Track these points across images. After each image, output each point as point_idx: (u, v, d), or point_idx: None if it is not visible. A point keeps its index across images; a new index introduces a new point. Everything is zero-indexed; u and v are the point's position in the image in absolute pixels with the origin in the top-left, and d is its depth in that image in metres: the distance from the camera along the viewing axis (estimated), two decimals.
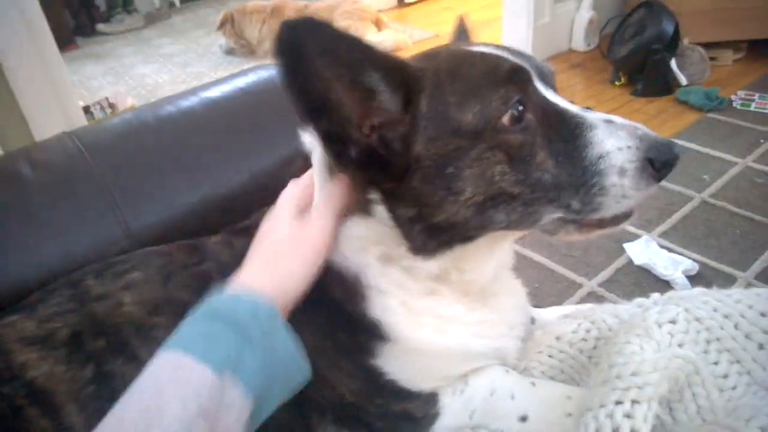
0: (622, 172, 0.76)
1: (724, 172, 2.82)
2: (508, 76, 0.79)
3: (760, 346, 0.76)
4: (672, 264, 2.25)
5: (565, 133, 0.79)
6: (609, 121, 0.79)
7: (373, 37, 4.92)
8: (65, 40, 5.59)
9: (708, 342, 0.77)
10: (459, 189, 0.78)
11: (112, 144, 1.27)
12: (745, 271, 2.21)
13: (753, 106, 3.35)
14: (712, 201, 2.63)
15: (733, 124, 3.23)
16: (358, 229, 0.89)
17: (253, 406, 0.71)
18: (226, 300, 0.77)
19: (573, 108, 0.82)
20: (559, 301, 2.17)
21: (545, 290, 2.23)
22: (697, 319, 0.78)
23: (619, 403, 0.71)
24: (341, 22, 4.88)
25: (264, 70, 1.43)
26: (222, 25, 5.07)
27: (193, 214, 1.20)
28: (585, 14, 4.25)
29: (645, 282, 2.24)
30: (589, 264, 2.34)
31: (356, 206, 0.89)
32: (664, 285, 2.20)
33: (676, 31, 3.58)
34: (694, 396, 0.73)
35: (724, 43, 3.90)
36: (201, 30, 5.99)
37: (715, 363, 0.76)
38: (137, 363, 0.90)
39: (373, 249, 0.89)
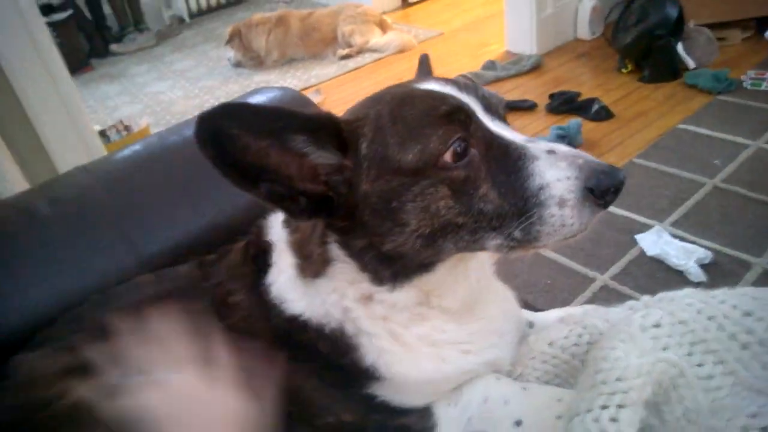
0: (562, 202, 0.78)
1: (737, 155, 2.80)
2: (448, 116, 0.81)
3: (744, 347, 0.77)
4: (685, 254, 2.25)
5: (508, 165, 0.81)
6: (551, 152, 0.81)
7: (378, 39, 4.95)
8: (80, 63, 5.72)
9: (692, 344, 0.79)
10: (404, 221, 0.82)
11: (122, 176, 1.32)
12: (760, 256, 2.20)
13: (764, 85, 3.32)
14: (724, 186, 2.62)
15: (744, 105, 3.21)
16: (329, 281, 0.92)
17: None
18: None
19: (517, 139, 0.84)
20: (572, 297, 2.19)
21: (558, 286, 2.25)
22: (682, 322, 0.80)
23: (605, 407, 0.73)
24: (345, 27, 4.94)
25: (261, 94, 1.47)
26: (231, 40, 5.16)
27: (199, 240, 1.24)
28: (588, 3, 4.24)
29: (658, 273, 2.24)
30: (600, 257, 2.35)
31: (317, 262, 0.93)
32: (678, 275, 2.21)
33: (681, 14, 3.55)
34: (680, 398, 0.75)
35: (731, 22, 3.86)
36: (210, 44, 6.08)
37: (700, 365, 0.78)
38: None
39: (350, 291, 0.92)
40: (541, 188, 0.79)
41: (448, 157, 0.80)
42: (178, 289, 1.09)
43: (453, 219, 0.81)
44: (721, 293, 0.85)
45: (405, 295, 0.91)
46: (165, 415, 0.85)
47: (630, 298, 2.10)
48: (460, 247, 0.85)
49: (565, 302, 2.14)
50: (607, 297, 2.14)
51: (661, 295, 0.93)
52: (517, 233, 0.81)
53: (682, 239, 2.35)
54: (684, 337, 0.80)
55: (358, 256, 0.89)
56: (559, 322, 1.03)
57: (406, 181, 0.81)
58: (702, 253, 2.24)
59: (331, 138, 0.83)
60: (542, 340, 0.99)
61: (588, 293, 2.19)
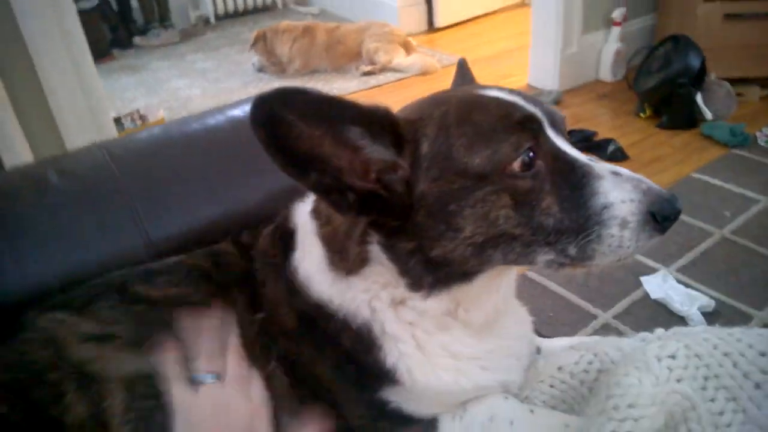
0: (624, 224, 0.78)
1: (747, 209, 2.80)
2: (521, 124, 0.81)
3: (757, 386, 0.76)
4: (688, 300, 2.23)
5: (573, 181, 0.82)
6: (616, 173, 0.81)
7: (402, 60, 4.99)
8: (102, 52, 5.76)
9: (706, 378, 0.77)
10: (459, 226, 0.81)
11: (139, 157, 1.31)
12: (762, 310, 2.18)
13: None
14: (732, 238, 2.61)
15: (757, 161, 3.21)
16: (363, 282, 0.92)
17: None
18: None
19: (582, 157, 0.84)
20: (572, 331, 2.17)
21: (560, 319, 2.23)
22: (697, 356, 0.79)
23: None
24: (370, 45, 4.97)
25: None
26: (255, 43, 5.20)
27: (212, 229, 1.22)
28: (612, 45, 4.26)
29: (660, 317, 2.22)
30: (605, 295, 2.34)
31: (354, 260, 0.91)
32: (679, 320, 2.19)
33: (703, 66, 3.57)
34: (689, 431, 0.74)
35: (751, 79, 3.88)
36: (234, 47, 6.12)
37: (712, 400, 0.76)
38: None
39: (383, 294, 0.91)
40: (604, 207, 0.79)
41: (516, 165, 0.80)
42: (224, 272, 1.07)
43: (510, 229, 0.81)
44: (737, 331, 0.84)
45: (437, 303, 0.90)
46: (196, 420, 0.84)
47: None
48: (509, 259, 0.84)
49: (566, 335, 2.12)
50: (608, 335, 2.11)
51: (674, 329, 0.92)
52: (572, 250, 0.81)
53: (687, 285, 2.34)
54: (698, 370, 0.78)
55: (401, 259, 0.88)
56: (569, 348, 1.01)
57: (469, 184, 0.80)
58: (705, 301, 2.22)
59: (387, 134, 0.82)
60: (552, 365, 0.98)
61: (589, 329, 2.17)
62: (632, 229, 0.78)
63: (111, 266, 1.14)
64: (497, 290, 0.96)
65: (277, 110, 0.73)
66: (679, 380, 0.76)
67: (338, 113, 0.78)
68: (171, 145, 1.35)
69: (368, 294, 0.91)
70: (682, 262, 2.49)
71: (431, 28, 6.07)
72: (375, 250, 0.89)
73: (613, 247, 0.79)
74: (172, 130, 1.39)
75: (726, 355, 0.78)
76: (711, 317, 2.18)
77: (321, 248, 0.95)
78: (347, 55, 5.10)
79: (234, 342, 0.93)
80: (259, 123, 0.72)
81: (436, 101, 0.89)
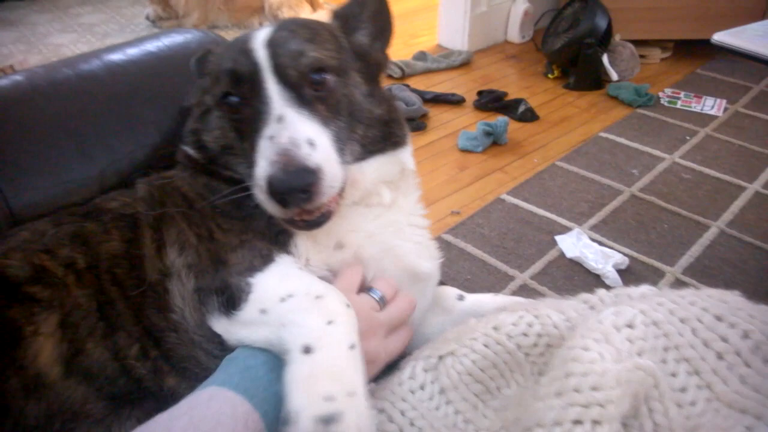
0: (260, 187, 0.83)
1: (653, 167, 2.86)
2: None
3: (719, 356, 0.68)
4: (603, 258, 2.24)
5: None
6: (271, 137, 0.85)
7: (307, 16, 4.73)
8: None
9: (666, 350, 0.68)
10: None
11: None
12: (672, 265, 2.23)
13: (679, 104, 3.43)
14: (641, 195, 2.65)
15: (660, 120, 3.29)
16: None
17: None
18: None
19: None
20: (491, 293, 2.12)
21: (478, 282, 2.17)
22: (655, 323, 0.70)
23: (578, 422, 0.61)
24: None
25: (178, 34, 1.27)
26: None
27: (87, 192, 1.04)
28: (520, 6, 4.23)
29: (576, 275, 2.22)
30: (521, 256, 2.30)
31: None
32: (594, 278, 2.19)
33: (609, 27, 3.60)
34: (650, 412, 0.64)
35: (652, 41, 3.97)
36: (124, 0, 5.62)
37: (673, 374, 0.67)
38: None
39: None
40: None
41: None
42: None
43: None
44: (689, 294, 0.75)
45: None
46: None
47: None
48: None
49: None
50: (527, 296, 2.07)
51: (617, 290, 0.84)
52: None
53: (600, 243, 2.34)
54: (658, 340, 0.69)
55: None
56: (504, 310, 0.88)
57: None
58: (619, 258, 2.24)
59: None
60: (486, 323, 0.84)
61: (507, 291, 2.12)
62: (264, 193, 0.80)
63: None
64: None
65: None
66: (640, 353, 0.67)
67: None
68: (35, 94, 1.13)
69: None
70: (593, 220, 2.50)
71: None
72: None
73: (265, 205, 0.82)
74: (36, 77, 1.16)
75: (683, 321, 0.70)
76: (625, 274, 2.20)
77: None
78: (249, 8, 4.78)
79: None
80: None
81: None
